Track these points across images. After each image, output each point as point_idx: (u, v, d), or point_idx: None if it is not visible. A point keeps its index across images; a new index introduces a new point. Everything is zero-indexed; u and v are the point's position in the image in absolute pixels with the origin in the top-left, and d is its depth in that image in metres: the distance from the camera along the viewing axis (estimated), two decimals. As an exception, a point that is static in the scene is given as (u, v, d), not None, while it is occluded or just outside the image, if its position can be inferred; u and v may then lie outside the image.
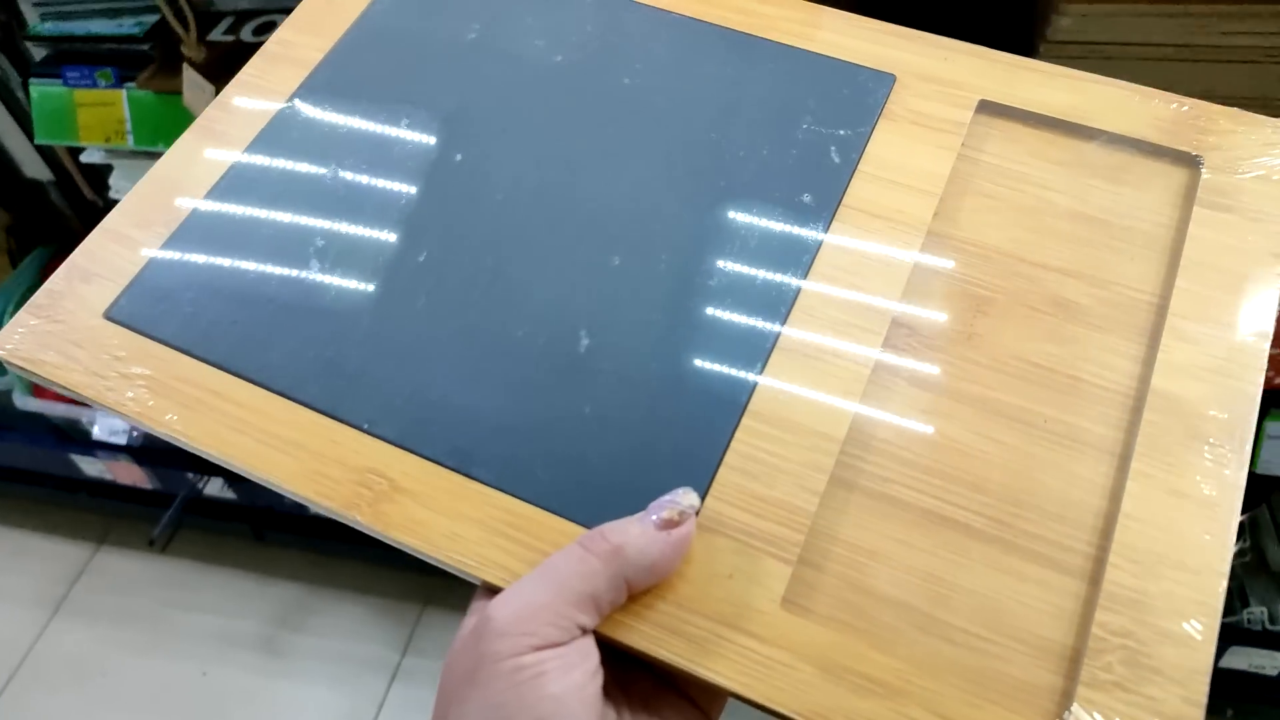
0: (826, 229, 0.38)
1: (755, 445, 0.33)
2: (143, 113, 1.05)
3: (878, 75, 0.41)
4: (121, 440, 1.26)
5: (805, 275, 0.37)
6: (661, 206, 0.39)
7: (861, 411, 0.34)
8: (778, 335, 0.35)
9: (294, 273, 0.38)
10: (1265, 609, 0.98)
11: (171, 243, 0.39)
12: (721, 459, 0.33)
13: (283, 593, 1.30)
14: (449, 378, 0.35)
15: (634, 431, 0.34)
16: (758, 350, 0.35)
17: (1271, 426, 0.89)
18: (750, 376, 0.35)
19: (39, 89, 1.08)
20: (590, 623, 0.29)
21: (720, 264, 0.37)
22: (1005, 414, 0.34)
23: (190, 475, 1.23)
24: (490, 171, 0.40)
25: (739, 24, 0.44)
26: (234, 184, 0.40)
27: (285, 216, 0.39)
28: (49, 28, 1.06)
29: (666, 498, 0.31)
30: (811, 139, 0.40)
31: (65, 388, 0.35)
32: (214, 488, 1.24)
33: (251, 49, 1.01)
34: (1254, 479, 0.91)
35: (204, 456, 0.34)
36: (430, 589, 1.30)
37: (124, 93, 1.04)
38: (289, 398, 0.35)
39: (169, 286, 0.38)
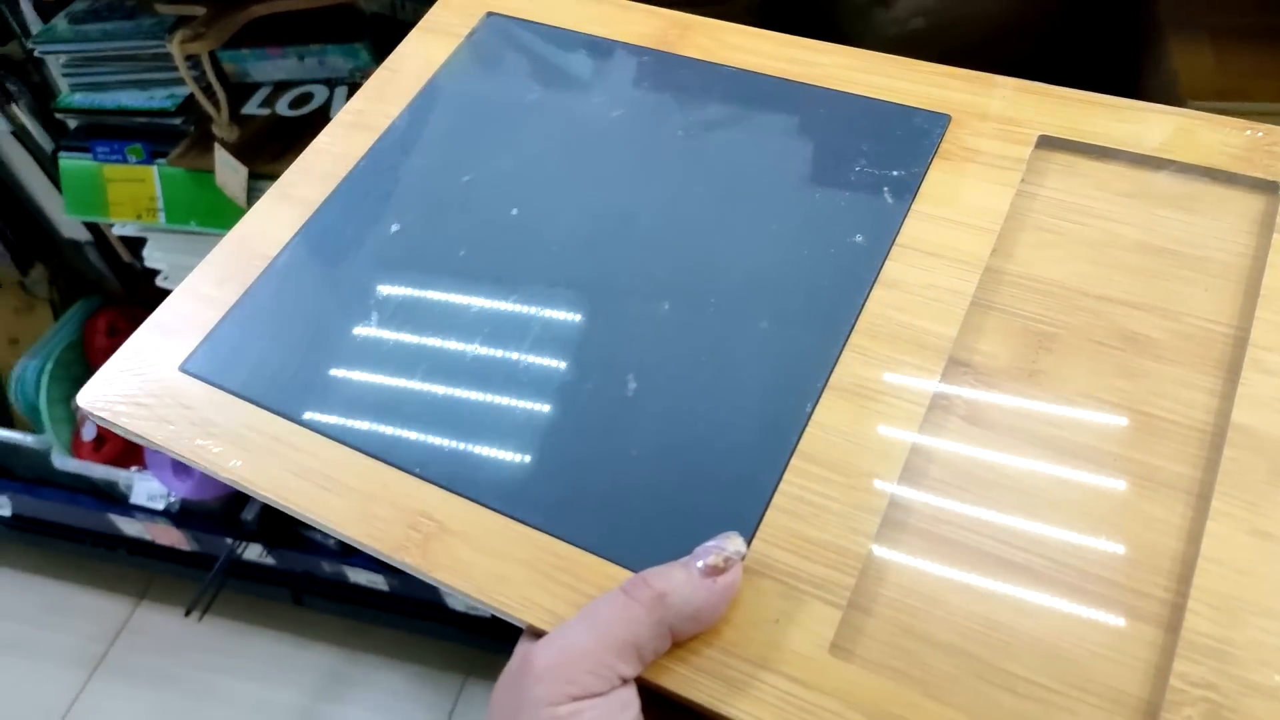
0: (879, 269, 0.37)
1: (805, 486, 0.32)
2: (175, 190, 0.99)
3: (932, 116, 0.41)
4: (159, 505, 1.21)
5: (857, 315, 0.36)
6: (712, 251, 0.39)
7: (916, 450, 0.33)
8: (829, 375, 0.35)
9: (353, 325, 0.39)
10: None
11: (244, 300, 0.40)
12: (770, 500, 0.32)
13: (321, 659, 1.27)
14: (498, 422, 0.36)
15: (681, 474, 0.33)
16: (808, 391, 0.34)
17: None
18: (800, 416, 0.34)
19: (68, 162, 1.03)
20: (631, 671, 0.29)
21: (769, 306, 0.37)
22: (1071, 453, 0.32)
23: (229, 540, 1.19)
24: (546, 222, 0.41)
25: (793, 74, 0.44)
26: (303, 244, 0.42)
27: (349, 273, 0.41)
28: (79, 99, 1.02)
29: (712, 543, 0.31)
30: (865, 181, 0.40)
31: (138, 435, 0.37)
32: (252, 553, 1.21)
33: (288, 124, 0.98)
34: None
35: (264, 501, 0.35)
36: (472, 660, 1.23)
37: (155, 169, 0.99)
38: (345, 444, 0.36)
39: (238, 340, 0.39)
